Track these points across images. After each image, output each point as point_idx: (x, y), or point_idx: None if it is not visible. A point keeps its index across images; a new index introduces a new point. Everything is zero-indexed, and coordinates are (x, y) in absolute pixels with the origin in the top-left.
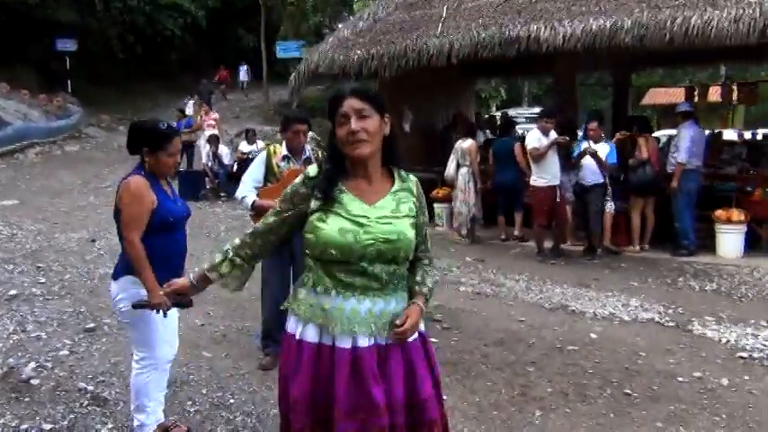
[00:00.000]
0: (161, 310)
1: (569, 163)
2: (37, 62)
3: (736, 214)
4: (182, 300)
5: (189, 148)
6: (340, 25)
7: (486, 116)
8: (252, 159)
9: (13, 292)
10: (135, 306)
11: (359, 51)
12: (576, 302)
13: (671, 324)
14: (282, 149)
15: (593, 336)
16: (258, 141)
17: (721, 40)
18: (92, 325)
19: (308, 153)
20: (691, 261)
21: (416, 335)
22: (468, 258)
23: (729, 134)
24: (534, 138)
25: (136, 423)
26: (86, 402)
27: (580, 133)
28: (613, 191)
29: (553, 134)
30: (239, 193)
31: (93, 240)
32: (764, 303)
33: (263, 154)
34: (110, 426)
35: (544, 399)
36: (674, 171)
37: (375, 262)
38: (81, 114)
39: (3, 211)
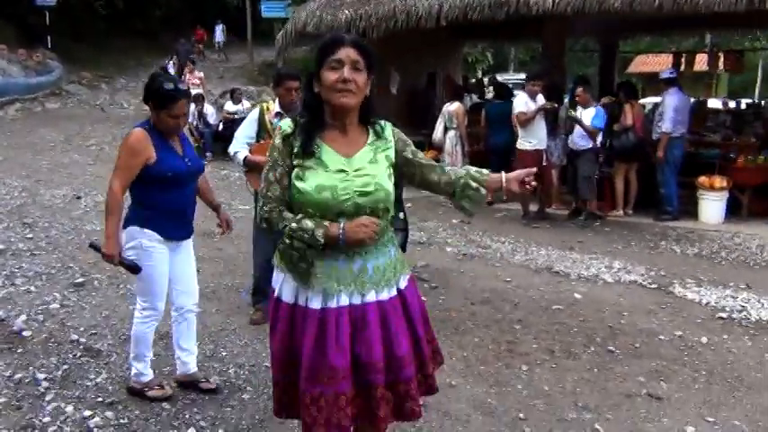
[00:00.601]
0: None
1: (556, 127)
2: (15, 17)
3: (719, 181)
4: (131, 264)
5: None
6: None
7: (474, 80)
8: (237, 119)
9: (0, 246)
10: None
11: (347, 11)
12: (560, 264)
13: (653, 286)
14: (275, 106)
15: (577, 296)
16: (244, 101)
17: (710, 7)
18: (81, 280)
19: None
20: (673, 226)
21: (394, 292)
22: (455, 221)
23: (714, 102)
24: (521, 102)
25: (133, 371)
26: (79, 354)
27: (566, 98)
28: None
29: (540, 98)
30: (232, 149)
31: (79, 197)
32: (744, 267)
33: (256, 110)
34: (104, 375)
35: (530, 354)
36: (659, 139)
37: (353, 217)
38: (61, 71)
39: None
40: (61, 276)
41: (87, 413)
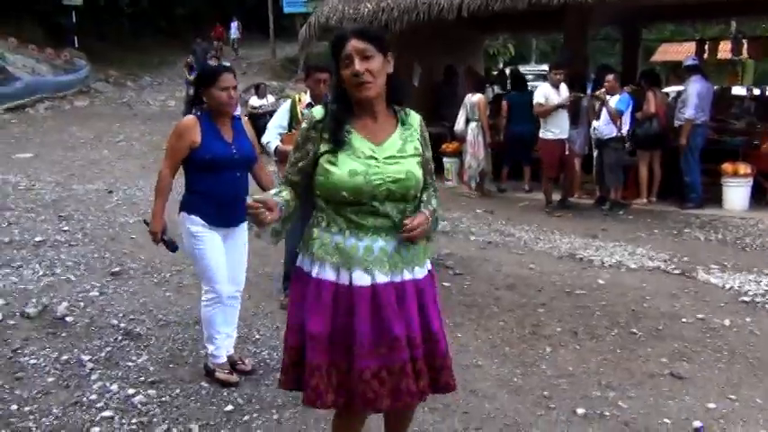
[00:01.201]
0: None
1: (579, 116)
2: (43, 16)
3: (743, 167)
4: (169, 241)
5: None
6: None
7: (496, 72)
8: (262, 113)
9: (38, 238)
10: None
11: (369, 5)
12: (583, 251)
13: (676, 271)
14: (306, 98)
15: (600, 282)
16: (268, 95)
17: None
18: (117, 269)
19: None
20: (697, 213)
21: (426, 271)
22: (478, 210)
23: (739, 90)
24: (540, 94)
25: (209, 351)
26: (120, 337)
27: (589, 88)
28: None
29: (563, 87)
30: (264, 139)
31: (111, 192)
32: None
33: (289, 102)
34: (145, 357)
35: (554, 337)
36: (681, 126)
37: (385, 201)
38: (88, 69)
39: (20, 163)
40: (98, 266)
41: (131, 391)
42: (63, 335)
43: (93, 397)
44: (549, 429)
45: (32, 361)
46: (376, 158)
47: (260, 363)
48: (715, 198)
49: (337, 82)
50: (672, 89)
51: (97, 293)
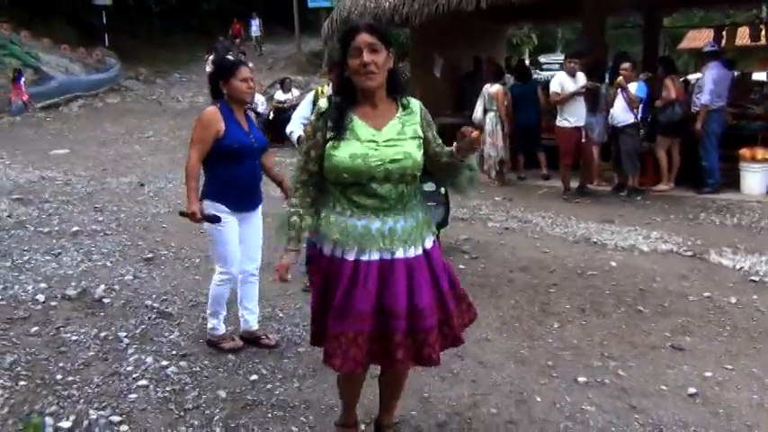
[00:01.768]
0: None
1: (597, 104)
2: (73, 16)
3: (761, 153)
4: (210, 215)
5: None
6: None
7: (515, 62)
8: (287, 108)
9: (75, 228)
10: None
11: None
12: (598, 236)
13: (688, 254)
14: (328, 89)
15: (612, 264)
16: (293, 90)
17: None
18: (150, 255)
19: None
20: (714, 198)
21: (420, 251)
22: (497, 198)
23: (759, 75)
24: (556, 83)
25: (210, 325)
26: (154, 316)
27: (607, 76)
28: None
29: (580, 75)
30: (288, 129)
31: (142, 185)
32: None
33: (312, 93)
34: (176, 333)
35: (562, 314)
36: (698, 112)
37: (384, 182)
38: (119, 67)
39: (56, 159)
40: (132, 253)
41: (164, 363)
42: (101, 314)
43: (130, 368)
44: (551, 396)
45: (74, 337)
46: (376, 142)
47: (283, 338)
48: (733, 183)
49: (342, 73)
50: (695, 76)
51: (132, 277)
